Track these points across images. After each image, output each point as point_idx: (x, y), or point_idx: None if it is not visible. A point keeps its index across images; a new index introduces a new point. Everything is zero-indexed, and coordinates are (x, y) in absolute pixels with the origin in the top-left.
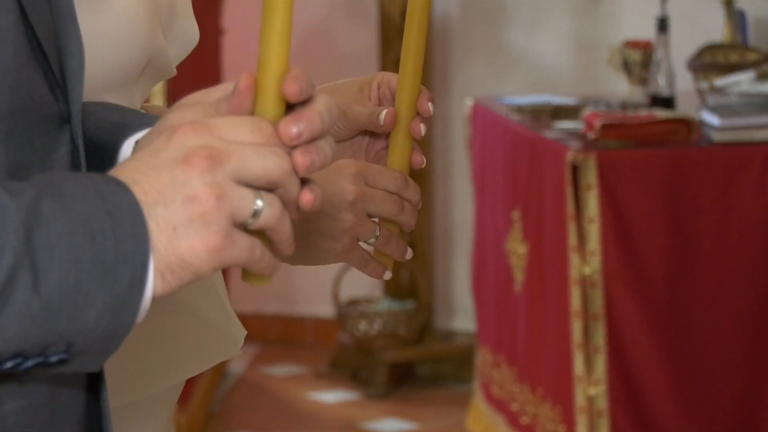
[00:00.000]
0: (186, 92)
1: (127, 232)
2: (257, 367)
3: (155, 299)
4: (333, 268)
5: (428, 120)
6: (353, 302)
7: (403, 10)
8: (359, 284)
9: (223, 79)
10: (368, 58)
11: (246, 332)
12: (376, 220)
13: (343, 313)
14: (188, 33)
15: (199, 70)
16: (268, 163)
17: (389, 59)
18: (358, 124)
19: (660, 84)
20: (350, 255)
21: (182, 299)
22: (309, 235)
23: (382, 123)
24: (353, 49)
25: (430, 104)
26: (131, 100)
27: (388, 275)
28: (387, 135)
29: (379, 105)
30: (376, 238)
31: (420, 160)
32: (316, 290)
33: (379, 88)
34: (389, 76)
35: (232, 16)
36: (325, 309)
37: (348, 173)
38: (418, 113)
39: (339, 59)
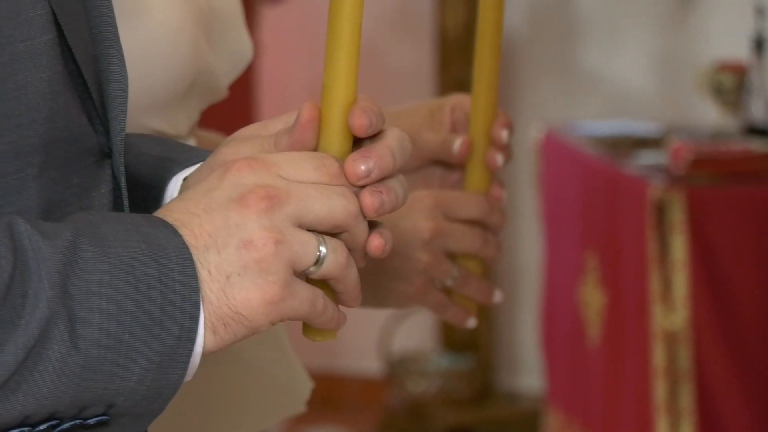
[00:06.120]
0: (213, 116)
1: (174, 280)
2: (293, 431)
3: (205, 355)
4: (381, 318)
5: (506, 149)
6: (404, 357)
7: (465, 23)
8: (410, 337)
9: (258, 102)
10: (422, 77)
11: (313, 385)
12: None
13: (392, 370)
14: (239, 47)
15: (230, 91)
16: (333, 205)
17: (448, 80)
18: (428, 153)
19: (755, 112)
20: (425, 299)
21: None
22: (378, 276)
23: (455, 153)
24: (404, 67)
25: (505, 131)
26: (175, 125)
27: (473, 322)
28: (463, 165)
29: (454, 131)
30: (454, 279)
31: (500, 194)
32: (361, 343)
33: (453, 113)
34: (464, 99)
35: (271, 31)
36: (371, 364)
37: (423, 207)
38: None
39: (387, 79)
